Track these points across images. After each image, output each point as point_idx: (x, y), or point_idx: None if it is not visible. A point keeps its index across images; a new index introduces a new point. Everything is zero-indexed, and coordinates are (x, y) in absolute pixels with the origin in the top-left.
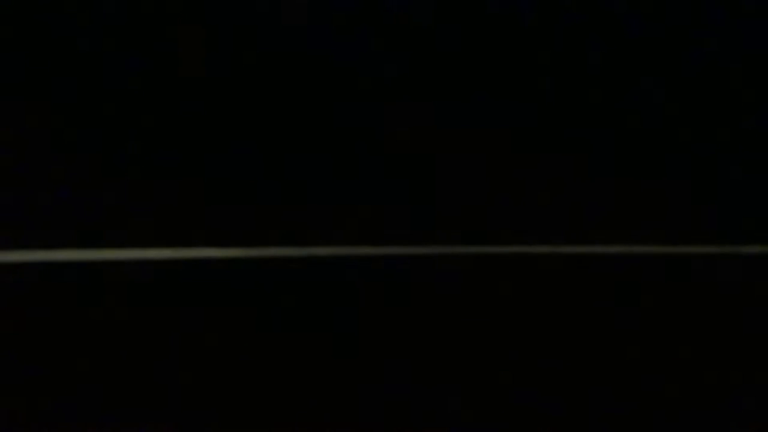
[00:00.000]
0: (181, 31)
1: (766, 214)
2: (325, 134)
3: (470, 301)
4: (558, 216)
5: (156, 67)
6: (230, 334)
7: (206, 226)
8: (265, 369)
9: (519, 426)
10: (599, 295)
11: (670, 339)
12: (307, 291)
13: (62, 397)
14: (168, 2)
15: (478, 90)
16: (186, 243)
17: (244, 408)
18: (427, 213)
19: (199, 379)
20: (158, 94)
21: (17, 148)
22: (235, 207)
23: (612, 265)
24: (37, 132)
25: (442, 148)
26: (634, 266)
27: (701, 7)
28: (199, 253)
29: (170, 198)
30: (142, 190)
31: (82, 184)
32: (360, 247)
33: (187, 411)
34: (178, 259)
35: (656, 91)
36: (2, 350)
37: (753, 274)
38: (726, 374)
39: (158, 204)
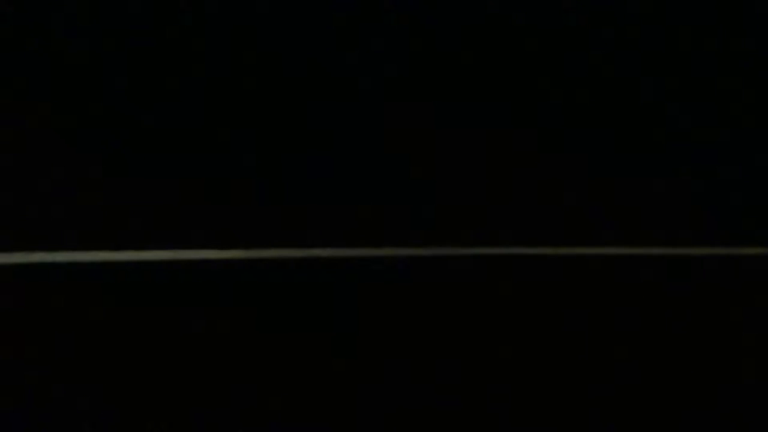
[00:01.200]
0: (181, 30)
1: (766, 215)
2: (325, 134)
3: (470, 302)
4: (557, 216)
5: (155, 67)
6: (230, 335)
7: (206, 227)
8: (265, 370)
9: (519, 426)
10: (599, 296)
11: (670, 340)
12: (307, 292)
13: (62, 398)
14: (168, 2)
15: (478, 90)
16: (185, 244)
17: (243, 408)
18: (427, 213)
19: (199, 380)
20: (158, 94)
21: (17, 148)
22: (235, 207)
23: (612, 265)
24: (38, 132)
25: (442, 148)
26: (634, 266)
27: (701, 7)
28: (199, 254)
29: (170, 198)
30: (142, 190)
31: (82, 184)
32: (360, 247)
33: (186, 411)
34: (177, 260)
35: (657, 90)
36: (2, 351)
37: (753, 274)
38: (726, 375)
39: (158, 204)
